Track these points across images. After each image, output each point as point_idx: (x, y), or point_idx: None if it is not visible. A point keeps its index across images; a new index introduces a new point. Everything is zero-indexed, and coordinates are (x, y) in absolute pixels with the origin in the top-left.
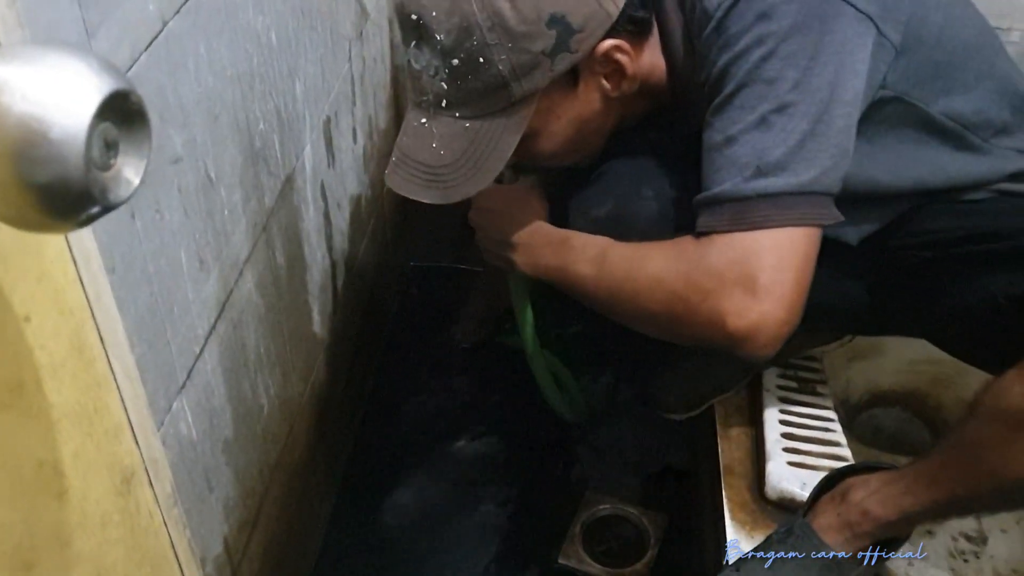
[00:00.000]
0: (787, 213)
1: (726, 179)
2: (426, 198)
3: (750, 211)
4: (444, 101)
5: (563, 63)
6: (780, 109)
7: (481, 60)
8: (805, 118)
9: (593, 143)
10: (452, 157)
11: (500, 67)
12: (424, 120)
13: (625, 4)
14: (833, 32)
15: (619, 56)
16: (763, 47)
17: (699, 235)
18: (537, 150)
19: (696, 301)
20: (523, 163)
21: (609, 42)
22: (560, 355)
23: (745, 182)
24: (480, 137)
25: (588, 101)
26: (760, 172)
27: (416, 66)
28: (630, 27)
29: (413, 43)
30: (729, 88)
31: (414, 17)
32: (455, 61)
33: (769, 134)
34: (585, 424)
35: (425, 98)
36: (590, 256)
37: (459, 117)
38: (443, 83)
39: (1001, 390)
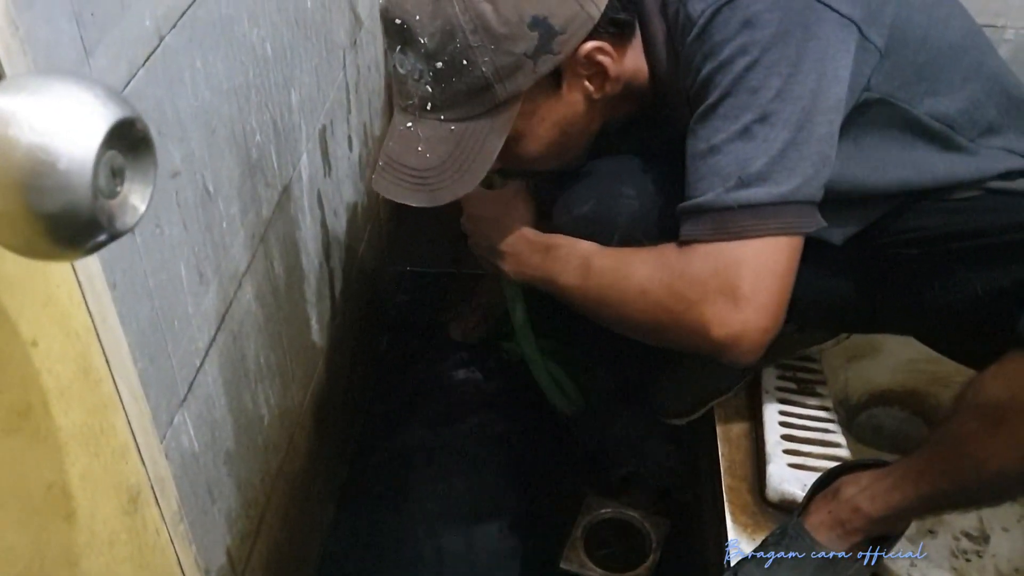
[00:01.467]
0: (768, 223)
1: (709, 189)
2: (413, 201)
3: (732, 221)
4: (429, 104)
5: (546, 65)
6: (762, 119)
7: (465, 62)
8: (787, 127)
9: (577, 146)
10: (438, 160)
11: (484, 69)
12: (410, 124)
13: (606, 7)
14: (816, 39)
15: (601, 58)
16: (747, 56)
17: (681, 244)
18: (522, 153)
19: (680, 310)
20: (508, 168)
21: (591, 44)
22: (555, 355)
23: (727, 192)
24: (465, 140)
25: (572, 103)
26: (742, 183)
27: (401, 71)
28: (612, 29)
29: (398, 48)
30: (713, 97)
31: (398, 22)
32: (439, 64)
33: (751, 144)
34: (581, 417)
35: (410, 102)
36: (574, 266)
37: (444, 120)
38: (428, 86)
39: (981, 385)
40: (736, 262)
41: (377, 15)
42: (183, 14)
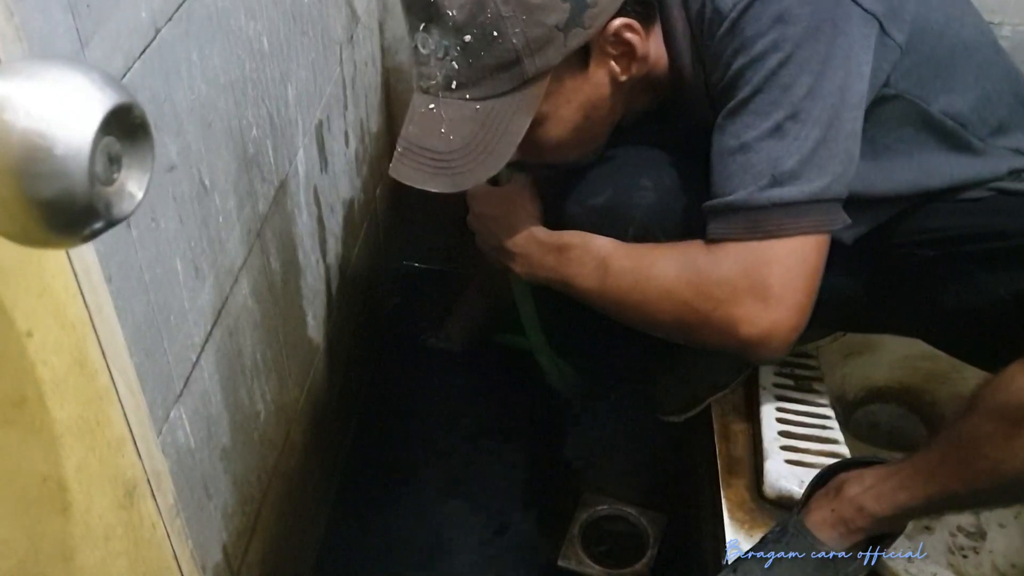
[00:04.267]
0: (801, 221)
1: (740, 187)
2: (434, 187)
3: (765, 220)
4: (454, 82)
5: (576, 39)
6: (794, 116)
7: (495, 34)
8: (818, 125)
9: (597, 135)
10: (462, 141)
11: (514, 41)
12: (432, 105)
13: None
14: (843, 34)
15: (629, 35)
16: (779, 52)
17: (710, 242)
18: (543, 139)
19: (707, 310)
20: (525, 160)
21: (620, 20)
22: (561, 351)
23: (760, 191)
24: (491, 119)
25: (598, 84)
26: (775, 181)
27: (424, 51)
28: (638, 8)
29: (422, 25)
30: (744, 93)
31: None
32: (467, 37)
33: (784, 142)
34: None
35: (433, 82)
36: (591, 267)
37: (469, 99)
38: (453, 63)
39: (1002, 385)
40: (767, 261)
41: (374, 11)
42: (179, 6)
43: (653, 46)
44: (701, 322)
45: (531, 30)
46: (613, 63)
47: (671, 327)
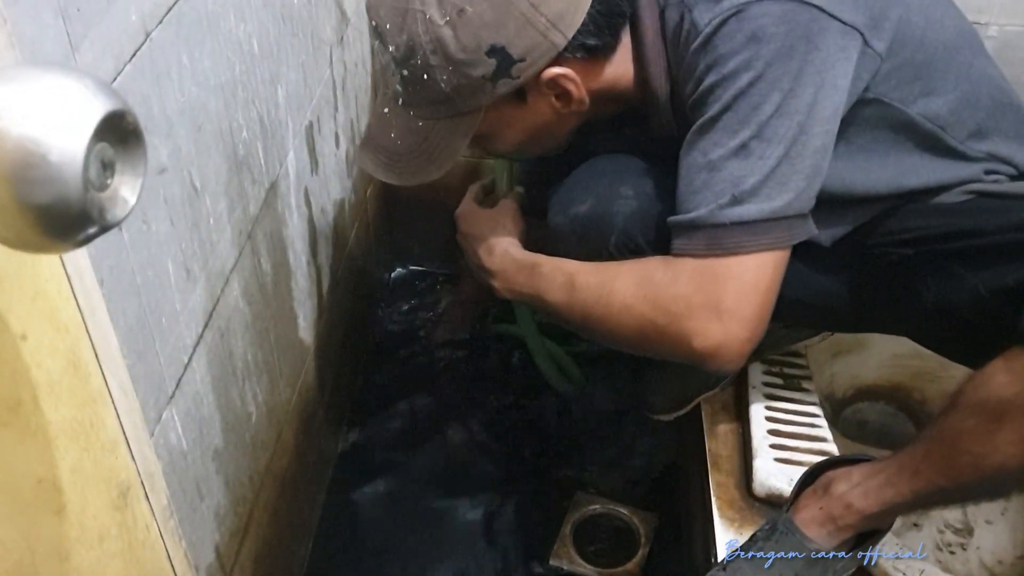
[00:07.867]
0: (759, 239)
1: (702, 204)
2: (386, 179)
3: (724, 237)
4: (400, 100)
5: (505, 87)
6: (759, 135)
7: (425, 77)
8: (782, 143)
9: (553, 141)
10: (407, 148)
11: (442, 85)
12: (386, 110)
13: (578, 31)
14: (817, 50)
15: (564, 83)
16: (751, 71)
17: (671, 257)
18: (493, 148)
19: (663, 324)
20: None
21: (556, 70)
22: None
23: (721, 209)
24: (432, 136)
25: (538, 114)
26: (735, 200)
27: (382, 59)
28: (581, 54)
29: (377, 41)
30: (714, 110)
31: (374, 24)
32: (405, 71)
33: (748, 161)
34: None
35: (388, 91)
36: (559, 283)
37: (413, 115)
38: (398, 84)
39: (983, 380)
40: (724, 277)
41: (364, 12)
42: (169, 9)
43: (609, 73)
44: (658, 335)
45: (457, 79)
46: (552, 99)
47: (631, 340)
